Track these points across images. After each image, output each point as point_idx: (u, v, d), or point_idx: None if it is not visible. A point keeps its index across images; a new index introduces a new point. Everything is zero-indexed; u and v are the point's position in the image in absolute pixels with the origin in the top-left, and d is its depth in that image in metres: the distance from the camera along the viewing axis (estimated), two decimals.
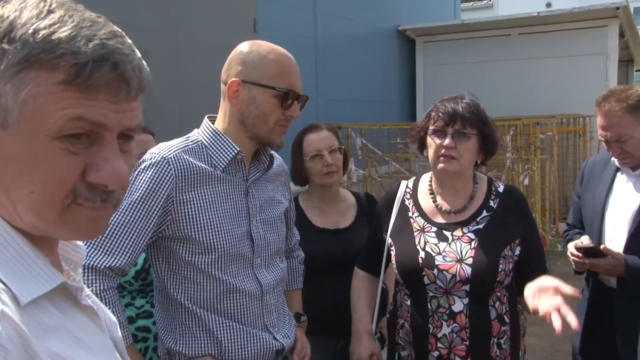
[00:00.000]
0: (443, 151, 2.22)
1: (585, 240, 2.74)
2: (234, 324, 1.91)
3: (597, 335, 2.83)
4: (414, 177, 2.50)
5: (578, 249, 2.71)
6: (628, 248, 2.68)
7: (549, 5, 24.25)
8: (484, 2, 32.53)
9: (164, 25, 6.26)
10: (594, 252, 2.67)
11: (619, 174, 2.84)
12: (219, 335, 1.90)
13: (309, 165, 2.76)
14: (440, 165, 2.23)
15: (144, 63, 0.89)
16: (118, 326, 1.68)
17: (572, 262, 2.80)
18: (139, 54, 0.88)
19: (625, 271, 2.62)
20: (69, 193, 0.84)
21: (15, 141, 0.81)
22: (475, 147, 2.24)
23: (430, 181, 2.39)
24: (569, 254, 2.81)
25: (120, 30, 0.90)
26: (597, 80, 9.41)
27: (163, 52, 6.01)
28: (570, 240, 2.93)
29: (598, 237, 2.80)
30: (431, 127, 2.27)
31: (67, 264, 1.01)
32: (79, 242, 1.04)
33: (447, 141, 2.21)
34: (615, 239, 2.76)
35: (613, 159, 2.82)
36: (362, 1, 9.75)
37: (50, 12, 0.83)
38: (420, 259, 2.24)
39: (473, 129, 2.22)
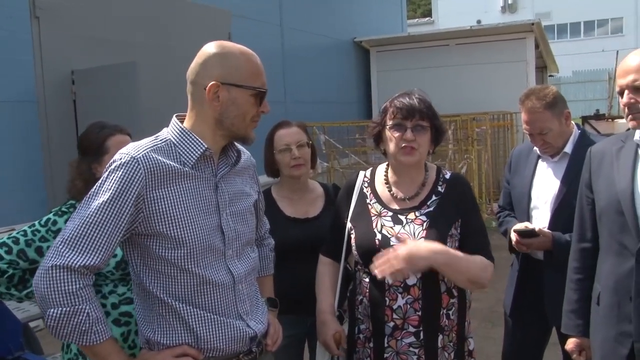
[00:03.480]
0: (404, 144, 2.11)
1: (530, 226, 2.70)
2: (208, 314, 1.75)
3: (525, 300, 2.82)
4: (371, 168, 2.39)
5: (516, 232, 2.67)
6: (551, 225, 2.66)
7: (479, 21, 24.46)
8: (427, 19, 32.73)
9: (151, 40, 6.12)
10: (529, 233, 2.64)
11: (540, 160, 2.81)
12: (194, 326, 1.73)
13: (278, 158, 2.62)
14: (403, 157, 2.13)
15: None
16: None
17: (513, 244, 2.76)
18: None
19: (552, 246, 2.60)
20: None
21: None
22: (429, 138, 2.16)
23: (386, 171, 2.29)
24: (513, 241, 2.76)
25: None
26: (519, 83, 9.53)
27: (151, 63, 5.84)
28: (503, 222, 2.91)
29: (526, 215, 2.78)
30: (390, 122, 2.15)
31: None
32: None
33: (408, 134, 2.10)
34: (539, 217, 2.74)
35: (535, 148, 2.79)
36: (323, 17, 9.67)
37: None
38: (377, 241, 2.15)
39: (428, 122, 2.13)
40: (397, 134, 2.12)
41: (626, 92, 1.97)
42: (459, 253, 2.08)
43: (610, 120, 12.67)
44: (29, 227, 2.25)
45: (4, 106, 5.19)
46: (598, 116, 13.05)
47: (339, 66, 10.21)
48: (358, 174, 2.40)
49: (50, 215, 2.29)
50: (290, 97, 8.32)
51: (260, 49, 7.27)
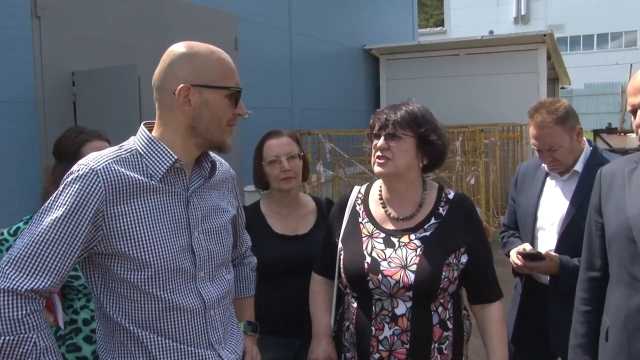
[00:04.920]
0: (378, 153, 1.96)
1: (527, 247, 2.51)
2: (174, 344, 1.56)
3: (528, 326, 2.63)
4: (367, 184, 2.22)
5: (521, 255, 2.49)
6: (558, 248, 2.47)
7: (491, 32, 24.27)
8: (439, 29, 32.57)
9: (153, 43, 5.97)
10: (534, 257, 2.45)
11: (548, 178, 2.63)
12: (157, 357, 1.55)
13: (267, 169, 2.44)
14: (377, 168, 1.98)
15: None
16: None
17: (514, 266, 2.57)
18: None
19: (559, 270, 2.42)
20: None
21: None
22: (410, 148, 1.96)
23: (381, 188, 2.11)
24: (511, 260, 2.58)
25: None
26: (530, 95, 9.33)
27: (152, 66, 5.71)
28: (507, 242, 2.72)
29: (531, 237, 2.59)
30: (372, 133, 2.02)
31: None
32: None
33: (380, 142, 1.95)
34: (545, 240, 2.56)
35: (543, 165, 2.61)
36: (333, 23, 9.51)
37: None
38: (365, 264, 1.97)
39: (406, 130, 1.95)
40: (373, 143, 1.99)
41: (639, 111, 1.79)
42: (497, 352, 2.01)
43: (622, 134, 12.46)
44: None
45: (2, 106, 5.08)
46: (610, 130, 12.85)
47: (347, 74, 10.03)
48: (352, 189, 2.22)
49: (21, 224, 2.16)
50: (297, 104, 8.16)
51: (268, 55, 7.13)
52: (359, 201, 2.15)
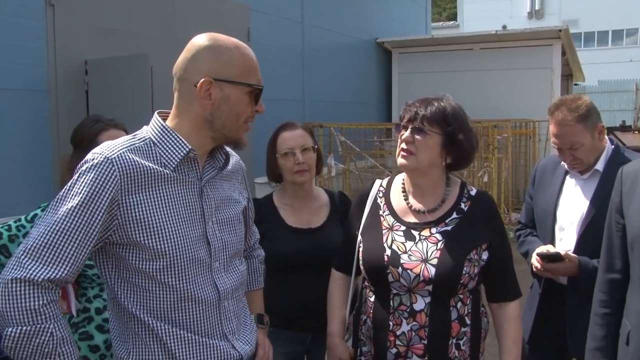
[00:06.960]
0: (402, 145, 1.95)
1: (551, 249, 2.46)
2: (188, 334, 1.56)
3: (546, 327, 2.59)
4: (389, 177, 2.21)
5: (539, 255, 2.44)
6: (578, 249, 2.43)
7: (504, 26, 24.08)
8: (452, 22, 32.36)
9: (164, 32, 5.97)
10: (553, 258, 2.41)
11: (568, 177, 2.57)
12: (172, 347, 1.54)
13: (280, 162, 2.42)
14: (400, 160, 1.97)
15: None
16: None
17: (534, 269, 2.53)
18: None
19: (579, 271, 2.37)
20: None
21: None
22: (435, 145, 1.94)
23: (404, 182, 2.11)
24: (531, 263, 2.53)
25: None
26: (544, 91, 9.31)
27: (162, 57, 5.69)
28: (524, 241, 2.67)
29: (550, 236, 2.55)
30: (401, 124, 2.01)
31: None
32: None
33: (405, 134, 1.94)
34: (564, 239, 2.51)
35: (563, 162, 2.56)
36: (345, 16, 9.45)
37: None
38: (385, 257, 1.95)
39: (433, 127, 1.93)
40: (399, 134, 1.99)
41: None
42: (511, 351, 2.00)
43: (636, 132, 12.33)
44: (14, 221, 2.12)
45: (14, 94, 5.08)
46: (624, 127, 12.72)
47: (359, 67, 9.98)
48: (374, 182, 2.21)
49: (38, 211, 2.16)
50: (308, 97, 8.13)
51: (280, 46, 7.11)
52: (380, 194, 2.14)
